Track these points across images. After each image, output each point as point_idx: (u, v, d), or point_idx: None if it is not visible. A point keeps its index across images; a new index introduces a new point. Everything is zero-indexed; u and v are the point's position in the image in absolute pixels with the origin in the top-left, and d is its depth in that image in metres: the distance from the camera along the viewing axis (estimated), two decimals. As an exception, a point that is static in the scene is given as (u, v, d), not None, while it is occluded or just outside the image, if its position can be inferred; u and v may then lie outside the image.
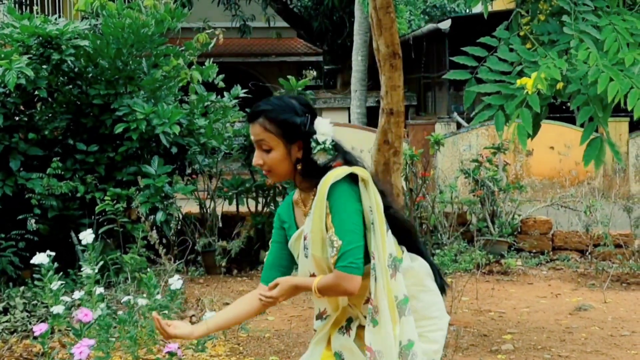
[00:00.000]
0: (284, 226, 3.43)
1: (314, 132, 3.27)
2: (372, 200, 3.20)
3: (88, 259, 4.56)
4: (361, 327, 3.30)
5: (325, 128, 3.29)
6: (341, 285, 3.14)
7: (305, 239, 3.26)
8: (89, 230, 4.45)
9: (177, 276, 4.66)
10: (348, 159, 3.32)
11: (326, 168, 3.25)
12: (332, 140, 3.29)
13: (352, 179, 3.20)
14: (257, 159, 3.28)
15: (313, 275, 3.28)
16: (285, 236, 3.42)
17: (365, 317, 3.27)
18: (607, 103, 5.18)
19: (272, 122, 3.24)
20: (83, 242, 4.40)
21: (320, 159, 3.26)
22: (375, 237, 3.19)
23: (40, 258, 4.32)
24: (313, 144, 3.27)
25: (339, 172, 3.19)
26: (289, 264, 3.44)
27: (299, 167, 3.28)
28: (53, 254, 4.44)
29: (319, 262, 3.23)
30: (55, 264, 4.55)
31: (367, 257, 3.20)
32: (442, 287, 3.52)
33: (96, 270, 4.57)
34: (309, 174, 3.28)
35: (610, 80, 5.06)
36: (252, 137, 3.29)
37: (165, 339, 3.25)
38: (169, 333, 3.25)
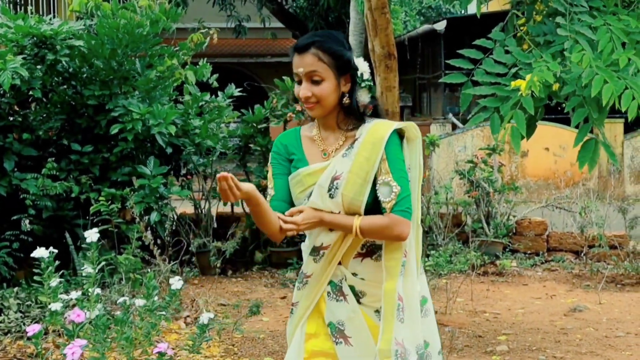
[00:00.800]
0: (291, 156, 3.38)
1: (357, 68, 3.30)
2: (414, 159, 3.28)
3: (90, 258, 4.55)
4: (351, 288, 3.31)
5: (364, 66, 3.32)
6: (396, 228, 3.16)
7: (336, 178, 3.23)
8: (94, 229, 4.43)
9: (177, 277, 4.66)
10: (379, 108, 3.37)
11: (364, 111, 3.29)
12: (370, 80, 3.33)
13: (399, 132, 3.27)
14: (306, 90, 3.23)
15: (325, 247, 3.28)
16: (289, 168, 3.38)
17: (353, 274, 3.29)
18: (603, 104, 5.18)
19: (325, 53, 3.22)
20: (88, 241, 4.39)
21: (362, 96, 3.29)
22: (412, 193, 3.25)
23: (41, 252, 4.31)
24: (359, 80, 3.29)
25: (394, 123, 3.26)
26: None
27: (345, 101, 3.26)
28: (55, 250, 4.43)
29: (350, 203, 3.21)
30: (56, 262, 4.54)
31: (373, 208, 3.23)
32: None
33: (97, 270, 4.56)
34: (353, 110, 3.28)
35: (604, 82, 5.07)
36: (299, 70, 3.23)
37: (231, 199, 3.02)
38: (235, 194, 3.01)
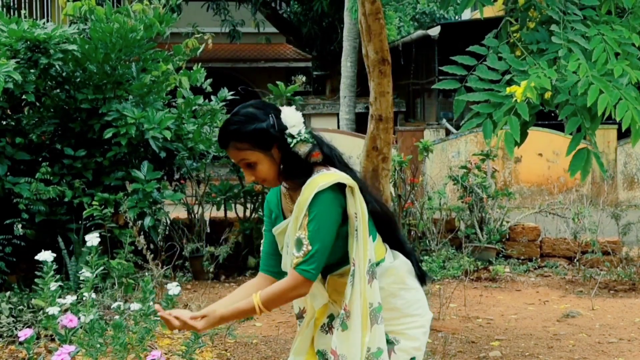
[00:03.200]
0: (272, 216, 3.44)
1: (286, 127, 3.26)
2: (358, 208, 3.22)
3: (89, 262, 4.56)
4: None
5: (293, 118, 3.28)
6: (295, 289, 3.19)
7: (289, 237, 3.27)
8: (95, 234, 4.44)
9: (174, 283, 4.66)
10: (325, 152, 3.32)
11: (308, 164, 3.26)
12: (306, 128, 3.29)
13: (338, 185, 3.21)
14: (248, 176, 3.28)
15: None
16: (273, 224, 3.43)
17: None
18: (596, 113, 5.19)
19: (241, 141, 3.22)
20: (88, 244, 4.40)
21: (301, 149, 3.25)
22: (357, 244, 3.23)
23: (44, 256, 4.31)
24: (289, 140, 3.25)
25: (324, 179, 3.19)
26: None
27: (281, 169, 3.27)
28: (54, 254, 4.43)
29: None
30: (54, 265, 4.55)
31: (346, 258, 3.25)
32: (422, 278, 3.54)
33: (95, 274, 4.57)
34: (292, 174, 3.28)
35: (600, 92, 5.08)
36: (233, 161, 3.30)
37: (170, 329, 3.23)
38: (173, 325, 3.22)
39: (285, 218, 3.36)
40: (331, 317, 3.37)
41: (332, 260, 3.26)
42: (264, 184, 3.33)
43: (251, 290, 3.36)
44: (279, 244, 3.38)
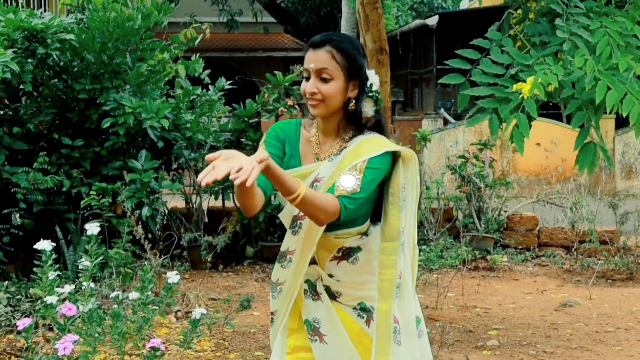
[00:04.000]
0: (286, 148, 3.34)
1: (368, 78, 3.27)
2: (409, 179, 3.26)
3: (90, 250, 4.55)
4: (326, 288, 3.33)
5: (374, 78, 3.29)
6: (328, 212, 3.04)
7: (317, 181, 3.21)
8: (95, 223, 4.43)
9: (174, 271, 4.66)
10: (382, 122, 3.33)
11: (365, 123, 3.26)
12: (378, 92, 3.30)
13: (394, 154, 3.23)
14: (312, 86, 3.18)
15: (302, 217, 3.24)
16: (282, 153, 3.32)
17: (329, 275, 3.31)
18: (599, 106, 5.19)
19: (341, 53, 3.19)
20: (89, 233, 4.39)
21: (367, 106, 3.26)
22: (406, 213, 3.25)
23: (44, 245, 4.31)
24: (367, 90, 3.26)
25: (390, 144, 3.21)
26: None
27: (351, 106, 3.23)
28: (53, 244, 4.43)
29: None
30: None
31: (350, 222, 3.22)
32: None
33: (94, 264, 4.56)
34: (355, 117, 3.25)
35: (607, 89, 5.07)
36: (310, 65, 3.19)
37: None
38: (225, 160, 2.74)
39: (302, 163, 3.29)
40: (309, 283, 3.35)
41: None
42: (316, 106, 3.19)
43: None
44: None
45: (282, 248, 3.33)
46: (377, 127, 3.31)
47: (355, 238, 3.27)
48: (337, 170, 3.15)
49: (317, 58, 3.19)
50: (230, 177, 2.67)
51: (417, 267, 3.38)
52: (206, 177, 2.69)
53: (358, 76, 3.22)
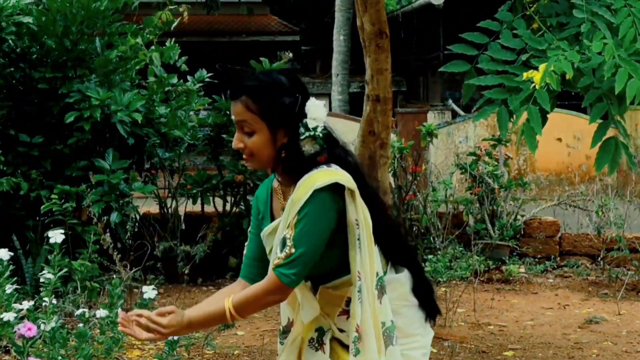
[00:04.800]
0: (259, 215, 3.40)
1: (305, 116, 3.22)
2: (360, 214, 3.19)
3: (52, 261, 4.55)
4: (335, 340, 3.33)
5: (318, 112, 3.24)
6: (271, 293, 3.13)
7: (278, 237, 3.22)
8: (59, 230, 4.43)
9: (151, 286, 4.66)
10: (337, 154, 3.28)
11: (310, 163, 3.21)
12: (325, 128, 3.25)
13: (337, 186, 3.16)
14: (238, 141, 3.20)
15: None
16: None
17: (339, 330, 3.31)
18: (623, 96, 5.15)
19: (256, 103, 3.16)
20: (52, 241, 4.38)
21: (307, 147, 3.22)
22: (361, 254, 3.20)
23: (0, 255, 4.30)
24: (302, 130, 3.21)
25: (323, 177, 3.15)
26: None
27: (283, 154, 3.21)
28: (11, 253, 4.42)
29: None
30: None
31: (342, 269, 3.22)
32: (433, 313, 3.50)
33: (57, 276, 4.56)
34: (292, 166, 3.23)
35: (629, 77, 5.05)
36: (232, 117, 3.21)
37: (135, 337, 3.14)
38: (138, 327, 3.14)
39: (273, 219, 3.32)
40: (320, 331, 3.35)
41: (325, 269, 3.24)
42: (248, 160, 3.24)
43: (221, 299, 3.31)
44: (266, 247, 3.33)
45: (283, 322, 3.42)
46: (333, 159, 3.26)
47: None
48: (282, 224, 3.19)
49: (235, 110, 3.21)
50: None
51: (381, 317, 3.32)
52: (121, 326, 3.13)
53: (285, 122, 3.20)
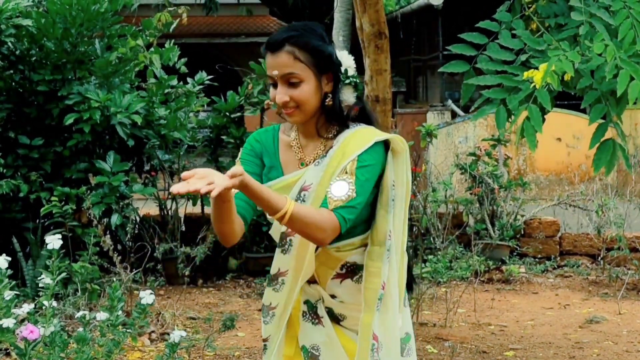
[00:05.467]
0: (264, 160, 3.32)
1: (340, 63, 3.23)
2: (400, 176, 3.22)
3: (51, 266, 4.54)
4: (329, 311, 3.32)
5: (348, 60, 3.26)
6: (326, 230, 3.03)
7: (305, 189, 3.17)
8: (57, 235, 4.41)
9: (148, 291, 4.65)
10: (367, 110, 3.31)
11: (348, 114, 3.22)
12: (356, 76, 3.27)
13: (385, 144, 3.19)
14: (282, 95, 3.13)
15: (291, 233, 3.21)
16: (261, 168, 3.31)
17: (331, 296, 3.29)
18: (621, 97, 5.16)
19: (303, 50, 3.13)
20: (50, 247, 4.37)
21: (346, 95, 3.23)
22: (395, 215, 3.22)
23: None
24: (342, 78, 3.22)
25: (378, 132, 3.18)
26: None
27: (328, 102, 3.19)
28: (9, 258, 4.41)
29: None
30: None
31: (352, 231, 3.19)
32: (410, 285, 3.50)
33: (56, 280, 4.55)
34: (336, 113, 3.21)
35: (631, 78, 5.05)
36: (274, 72, 3.14)
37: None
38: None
39: (284, 172, 3.26)
40: (309, 304, 3.34)
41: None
42: (292, 113, 3.15)
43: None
44: None
45: (272, 270, 3.31)
46: (362, 116, 3.29)
47: (359, 250, 3.26)
48: (326, 174, 3.13)
49: (279, 62, 3.14)
50: (202, 191, 2.70)
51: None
52: (179, 188, 2.74)
53: (329, 68, 3.19)
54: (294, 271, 3.25)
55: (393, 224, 3.22)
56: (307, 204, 3.13)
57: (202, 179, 2.75)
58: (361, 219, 3.20)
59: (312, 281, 3.30)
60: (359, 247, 3.25)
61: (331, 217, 3.03)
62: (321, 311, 3.32)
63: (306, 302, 3.35)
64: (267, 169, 3.30)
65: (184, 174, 2.76)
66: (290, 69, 3.12)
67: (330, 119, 3.23)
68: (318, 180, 3.15)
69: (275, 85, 3.17)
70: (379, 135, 3.17)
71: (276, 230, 3.28)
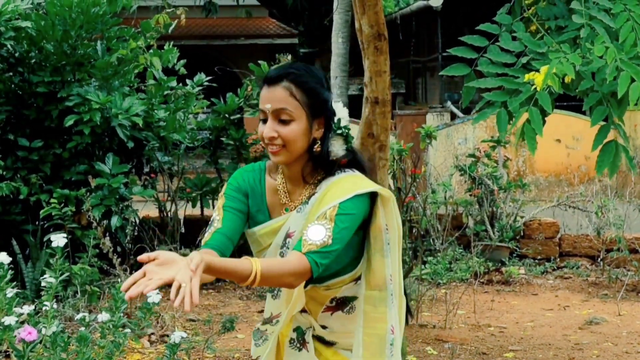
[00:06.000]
0: (250, 202, 3.27)
1: (335, 113, 3.20)
2: (390, 220, 3.18)
3: (54, 265, 4.54)
4: (315, 338, 3.33)
5: (342, 111, 3.23)
6: (296, 275, 2.98)
7: (289, 236, 3.16)
8: (61, 234, 4.41)
9: (156, 290, 4.65)
10: (358, 159, 3.27)
11: (332, 163, 3.18)
12: (348, 128, 3.25)
13: (373, 193, 3.16)
14: (270, 130, 3.08)
15: None
16: (247, 212, 3.26)
17: (322, 326, 3.31)
18: (622, 99, 5.16)
19: (300, 88, 3.10)
20: (54, 245, 4.37)
21: (336, 145, 3.19)
22: (392, 259, 3.21)
23: (1, 257, 4.30)
24: (334, 126, 3.19)
25: (364, 183, 3.14)
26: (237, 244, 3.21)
27: (316, 148, 3.15)
28: (9, 258, 4.41)
29: None
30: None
31: (340, 271, 3.21)
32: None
33: (59, 280, 4.55)
34: (323, 160, 3.17)
35: (631, 80, 5.06)
36: (266, 106, 3.11)
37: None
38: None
39: (271, 216, 3.25)
40: (299, 331, 3.34)
41: (330, 270, 3.19)
42: (278, 152, 3.11)
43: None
44: (256, 245, 3.27)
45: (265, 314, 3.35)
46: (353, 164, 3.24)
47: (349, 286, 3.26)
48: (307, 222, 3.10)
49: (274, 97, 3.10)
50: (174, 304, 2.74)
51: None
52: (131, 289, 2.71)
53: (323, 113, 3.15)
54: (287, 313, 3.26)
55: (392, 268, 3.22)
56: (290, 250, 3.11)
57: (163, 267, 2.84)
58: (345, 262, 3.21)
59: (304, 310, 3.32)
60: (349, 283, 3.26)
61: (301, 262, 2.98)
62: (308, 337, 3.33)
63: (296, 329, 3.35)
64: (254, 211, 3.27)
65: (140, 258, 2.73)
66: (284, 104, 3.09)
67: (316, 166, 3.20)
68: (300, 227, 3.13)
69: (265, 121, 3.14)
70: (363, 186, 3.12)
71: None
